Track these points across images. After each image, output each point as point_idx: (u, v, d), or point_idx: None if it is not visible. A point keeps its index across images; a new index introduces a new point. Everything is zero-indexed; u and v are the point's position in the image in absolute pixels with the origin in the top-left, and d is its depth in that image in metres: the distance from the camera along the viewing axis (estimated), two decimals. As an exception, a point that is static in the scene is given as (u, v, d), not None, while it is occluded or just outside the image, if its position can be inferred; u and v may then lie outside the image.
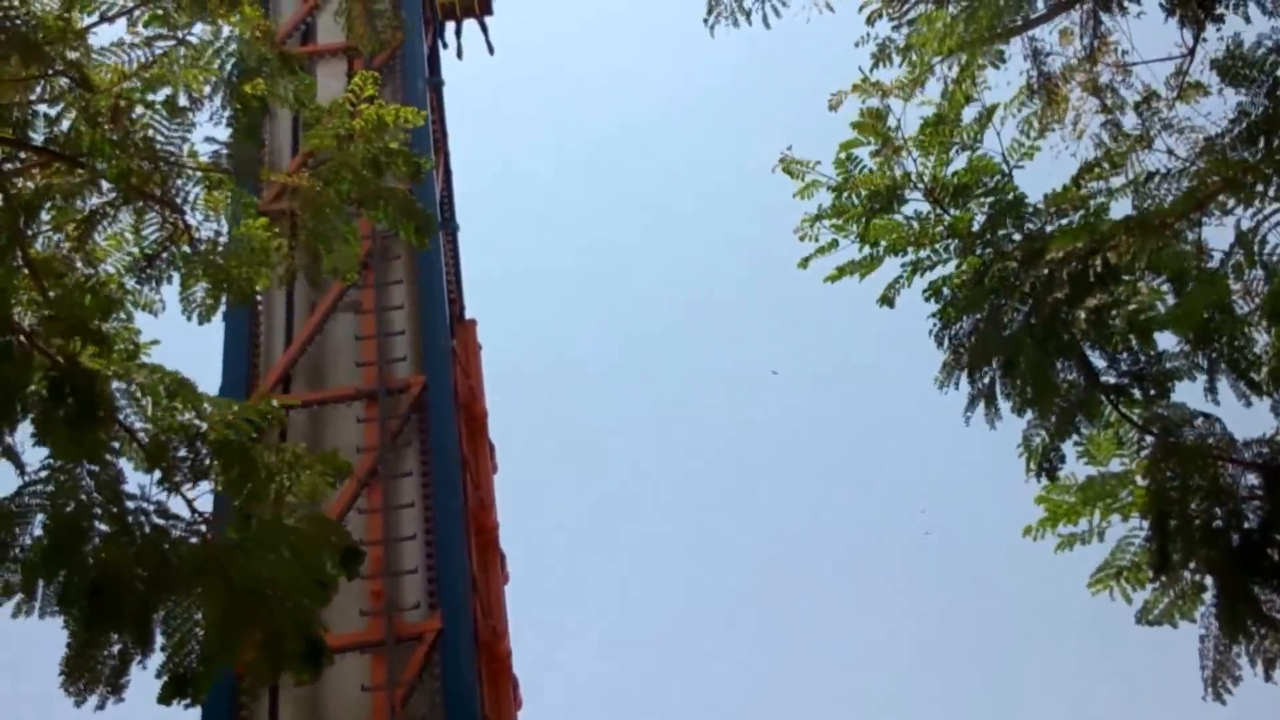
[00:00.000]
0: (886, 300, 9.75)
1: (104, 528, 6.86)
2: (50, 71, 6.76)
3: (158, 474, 7.16)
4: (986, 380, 9.02)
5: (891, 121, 9.36)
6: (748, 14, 8.94)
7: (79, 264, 8.07)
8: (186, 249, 7.98)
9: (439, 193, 18.94)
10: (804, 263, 9.86)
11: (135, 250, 8.13)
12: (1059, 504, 9.14)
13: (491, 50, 23.26)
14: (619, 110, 46.28)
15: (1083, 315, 7.97)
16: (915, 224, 9.17)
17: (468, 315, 20.12)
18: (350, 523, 14.97)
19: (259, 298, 17.29)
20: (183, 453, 7.24)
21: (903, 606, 36.97)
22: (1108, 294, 8.03)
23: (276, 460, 7.46)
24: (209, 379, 17.90)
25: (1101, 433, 8.94)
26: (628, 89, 45.15)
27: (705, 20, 9.09)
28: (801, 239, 9.75)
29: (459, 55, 22.95)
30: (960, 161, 9.21)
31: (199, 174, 7.74)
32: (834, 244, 9.45)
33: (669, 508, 40.73)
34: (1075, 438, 8.86)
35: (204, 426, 7.29)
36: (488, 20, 23.18)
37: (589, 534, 41.05)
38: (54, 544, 6.72)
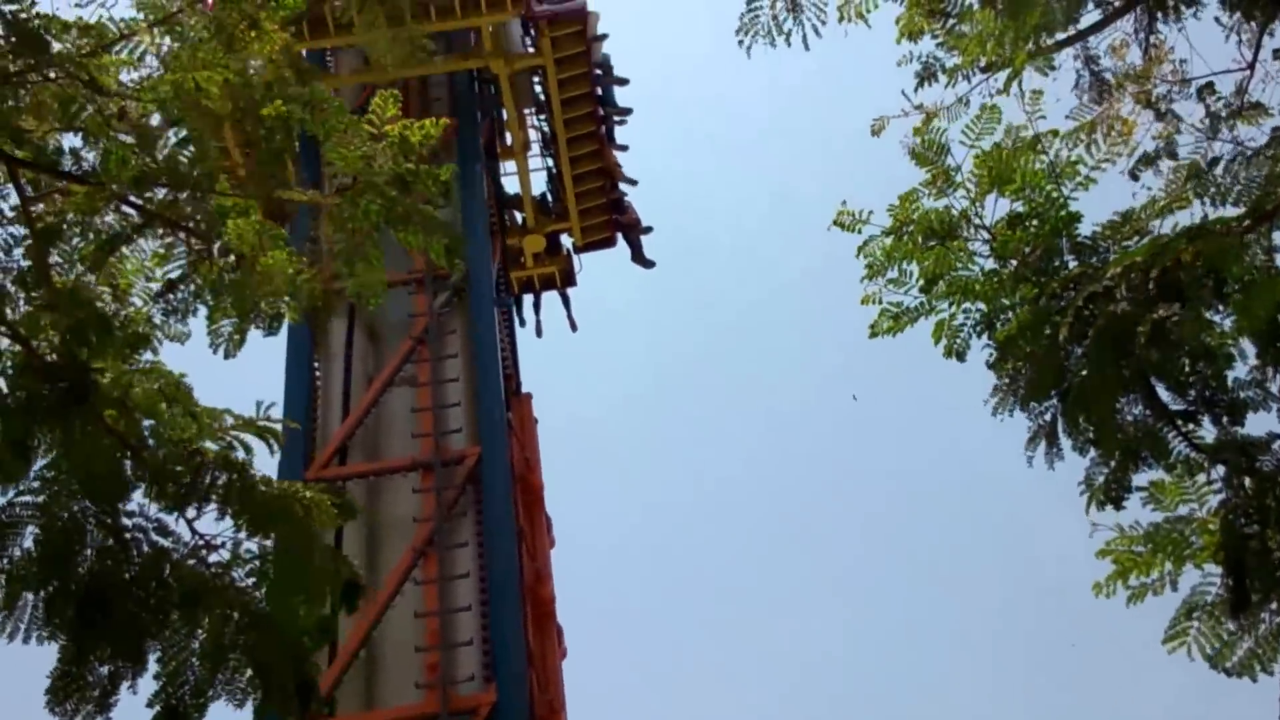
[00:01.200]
0: (955, 353, 9.32)
1: (99, 542, 6.64)
2: (60, 73, 6.70)
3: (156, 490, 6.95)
4: (1046, 417, 8.55)
5: (951, 160, 9.04)
6: (787, 35, 8.68)
7: (106, 296, 7.98)
8: (212, 278, 7.85)
9: (495, 271, 19.02)
10: (874, 331, 9.53)
11: (158, 278, 8.04)
12: (1128, 556, 8.55)
13: (574, 327, 22.26)
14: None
15: (1145, 332, 7.46)
16: (972, 267, 8.77)
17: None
18: (406, 593, 15.15)
19: (317, 370, 17.62)
20: (180, 468, 7.03)
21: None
22: (1171, 309, 7.54)
23: (287, 493, 7.21)
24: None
25: (1168, 476, 8.36)
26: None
27: (739, 40, 8.84)
28: (864, 302, 9.44)
29: (538, 333, 21.95)
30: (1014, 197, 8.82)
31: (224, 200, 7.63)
32: (898, 306, 9.08)
33: (728, 582, 39.98)
34: (1142, 476, 8.32)
35: (206, 444, 7.11)
36: (570, 292, 22.22)
37: (646, 606, 40.33)
38: (45, 555, 6.53)
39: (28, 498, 6.74)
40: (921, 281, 9.24)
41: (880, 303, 9.48)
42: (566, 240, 21.74)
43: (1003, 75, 8.70)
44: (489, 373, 17.40)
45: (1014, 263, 8.71)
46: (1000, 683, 37.17)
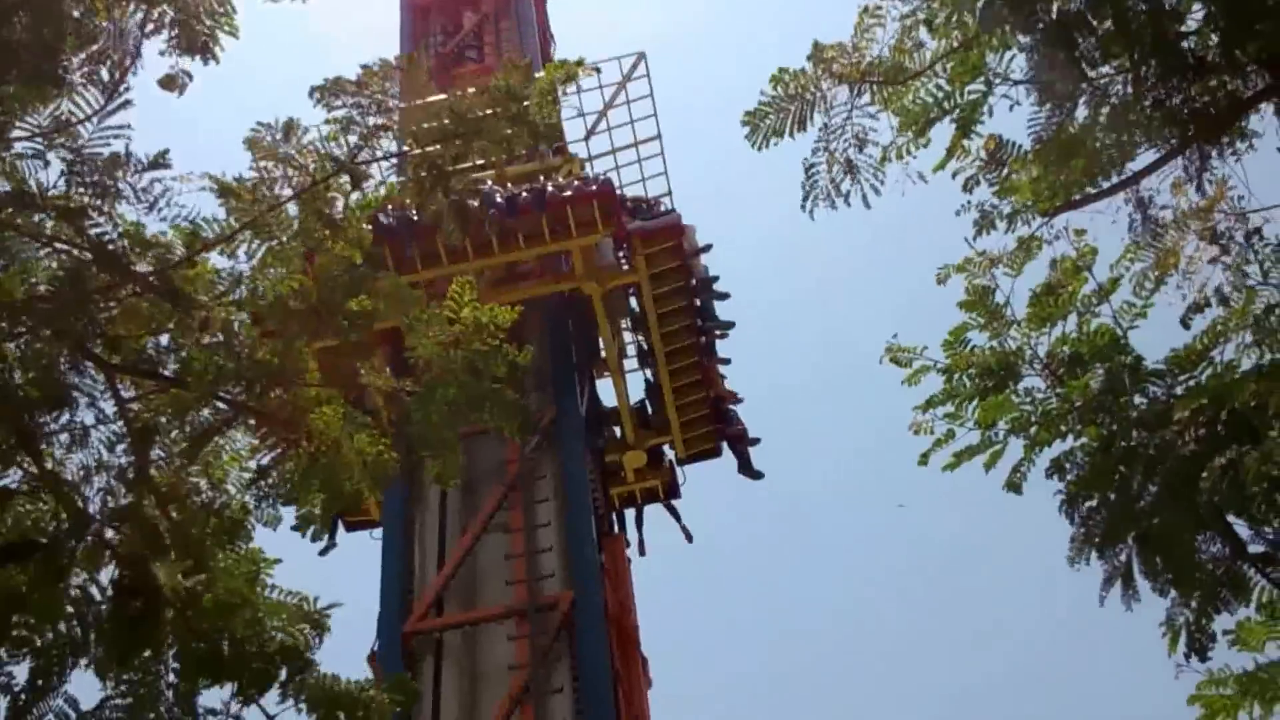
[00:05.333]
0: (1013, 486, 9.41)
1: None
2: (139, 288, 7.17)
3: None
4: (1122, 558, 8.54)
5: (1000, 297, 9.23)
6: (846, 195, 8.96)
7: (203, 486, 8.38)
8: (304, 464, 8.21)
9: (585, 413, 19.22)
10: (924, 458, 9.64)
11: (251, 467, 8.41)
12: (1216, 699, 8.46)
13: (690, 537, 21.00)
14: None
15: (1215, 472, 7.49)
16: (1031, 402, 8.88)
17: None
18: None
19: (416, 522, 17.95)
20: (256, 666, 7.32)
21: None
22: (1241, 449, 7.56)
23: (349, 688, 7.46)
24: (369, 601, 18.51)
25: (1253, 616, 8.29)
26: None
27: (803, 205, 9.13)
28: (916, 432, 9.57)
29: (641, 550, 20.68)
30: (1073, 330, 8.95)
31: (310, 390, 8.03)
32: (950, 435, 9.23)
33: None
34: (1225, 617, 8.25)
35: (277, 635, 7.41)
36: (676, 504, 21.07)
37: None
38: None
39: (117, 700, 7.09)
40: (978, 416, 9.38)
41: (931, 432, 9.61)
42: (669, 453, 20.80)
43: (1058, 221, 8.89)
44: (580, 516, 17.46)
45: (1078, 403, 8.78)
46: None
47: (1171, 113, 7.81)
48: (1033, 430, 8.90)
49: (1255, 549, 8.16)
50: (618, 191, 19.54)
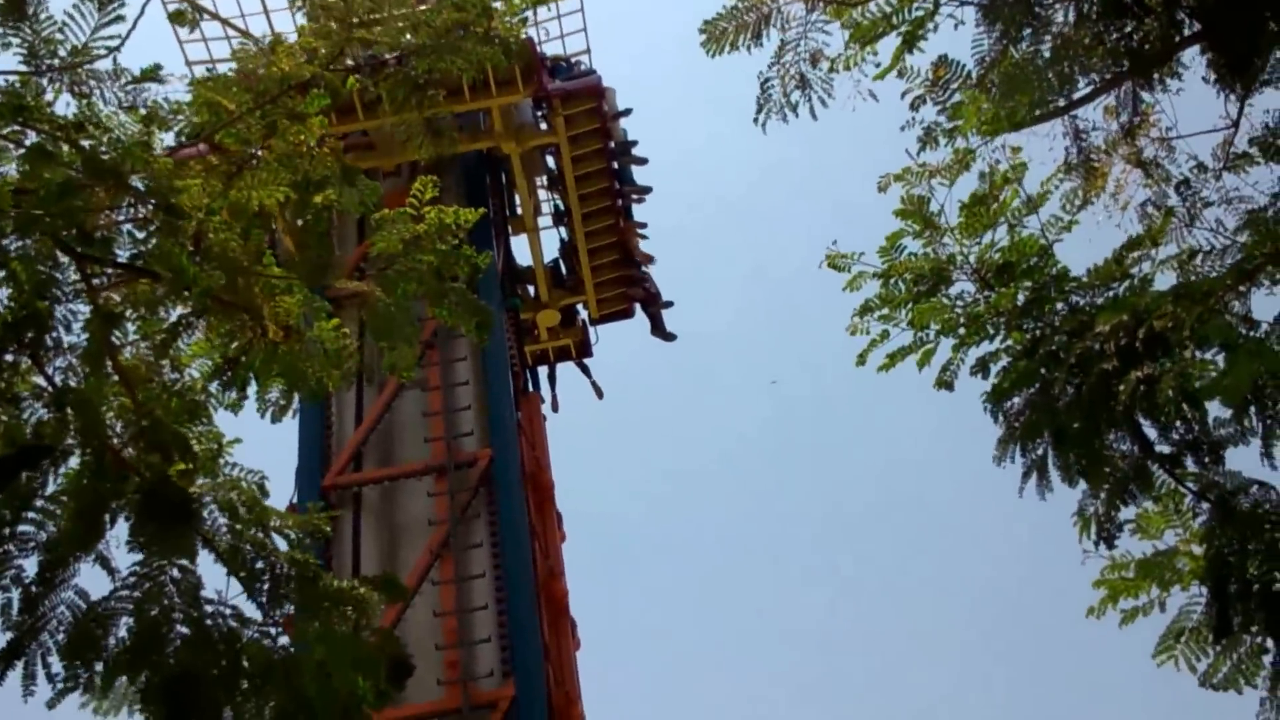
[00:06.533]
0: (944, 384, 9.96)
1: (184, 630, 7.23)
2: (137, 200, 7.21)
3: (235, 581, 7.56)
4: (1039, 453, 9.21)
5: (935, 206, 9.67)
6: (795, 107, 9.27)
7: (165, 370, 8.51)
8: (263, 353, 8.37)
9: (499, 272, 19.33)
10: (861, 358, 10.11)
11: (217, 356, 8.56)
12: (1117, 582, 9.29)
13: (600, 393, 21.49)
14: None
15: (1131, 384, 8.16)
16: (961, 307, 9.41)
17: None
18: (424, 594, 15.50)
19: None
20: (260, 565, 7.61)
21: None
22: (1155, 365, 8.22)
23: (342, 588, 7.80)
24: (286, 457, 18.69)
25: (1153, 506, 9.08)
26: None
27: (756, 119, 9.47)
28: (853, 333, 10.04)
29: (554, 407, 21.13)
30: (1002, 238, 9.46)
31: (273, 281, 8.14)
32: (885, 335, 9.72)
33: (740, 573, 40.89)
34: (1129, 510, 9.05)
35: (279, 544, 7.70)
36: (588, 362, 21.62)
37: (656, 592, 41.22)
38: (138, 645, 7.08)
39: (124, 591, 7.35)
40: (911, 318, 9.89)
41: (867, 333, 10.12)
42: (582, 312, 21.37)
43: (998, 141, 9.31)
44: (498, 375, 17.74)
45: (1006, 308, 9.34)
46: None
47: (1110, 48, 8.21)
48: (961, 332, 9.44)
49: (1162, 449, 8.90)
50: (538, 47, 19.27)
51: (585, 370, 21.51)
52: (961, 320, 9.43)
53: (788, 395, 44.31)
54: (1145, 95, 8.96)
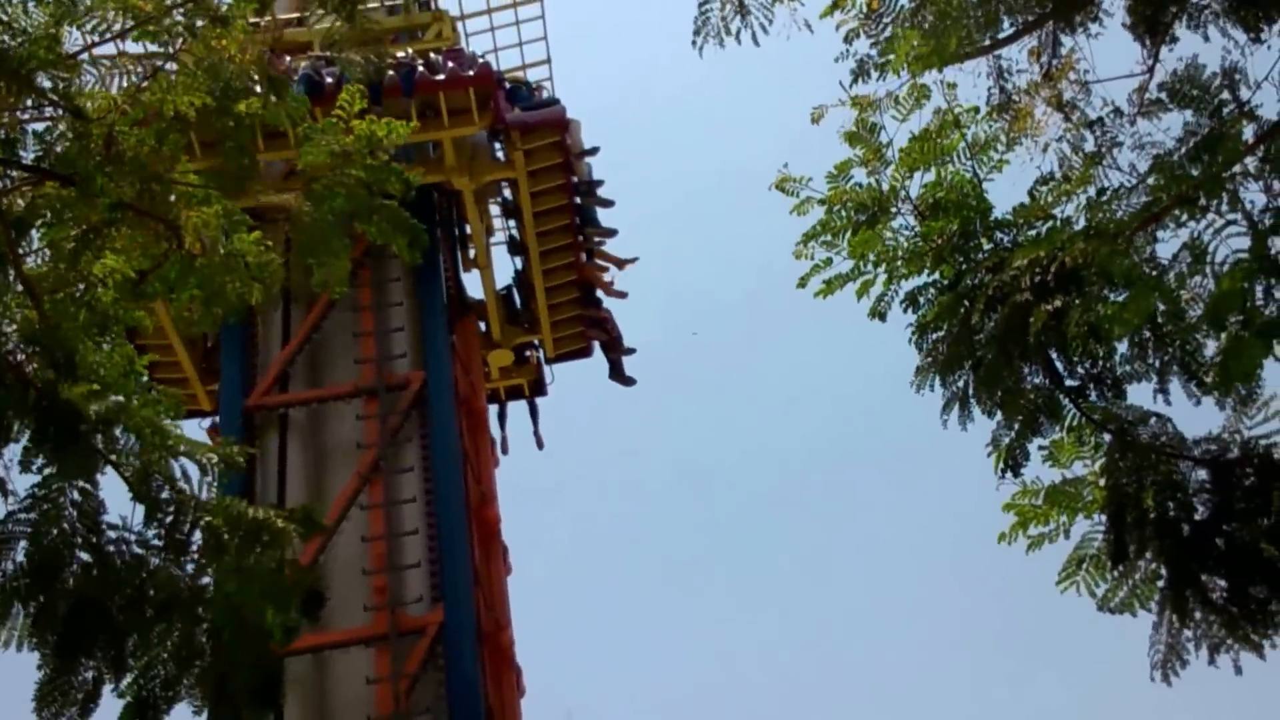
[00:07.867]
0: (877, 314, 10.01)
1: (85, 556, 7.12)
2: (41, 101, 7.02)
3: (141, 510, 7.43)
4: (960, 384, 9.35)
5: (883, 137, 9.68)
6: (737, 34, 9.28)
7: (74, 280, 8.33)
8: (180, 265, 8.21)
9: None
10: (802, 281, 10.13)
11: (129, 268, 8.38)
12: (1027, 508, 9.49)
13: (540, 444, 20.53)
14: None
15: (1042, 317, 8.31)
16: (900, 238, 9.48)
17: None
18: (352, 518, 15.35)
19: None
20: (166, 494, 7.48)
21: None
22: (1066, 298, 8.37)
23: (258, 518, 7.69)
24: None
25: (1064, 435, 9.27)
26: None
27: (693, 41, 9.46)
28: (798, 258, 10.04)
29: (503, 449, 19.88)
30: (947, 178, 9.53)
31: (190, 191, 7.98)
32: (827, 262, 9.74)
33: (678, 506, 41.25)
34: (1040, 440, 9.23)
35: (192, 470, 7.59)
36: (539, 402, 20.70)
37: (593, 522, 41.57)
38: (34, 570, 6.98)
39: (21, 515, 7.21)
40: (849, 248, 9.93)
41: (812, 258, 10.15)
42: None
43: (926, 77, 9.35)
44: (432, 295, 17.43)
45: (938, 241, 9.42)
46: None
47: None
48: (897, 265, 9.50)
49: (1071, 383, 9.08)
50: (495, 73, 18.05)
51: (534, 414, 20.59)
52: (900, 254, 9.48)
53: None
54: (1066, 39, 9.07)
